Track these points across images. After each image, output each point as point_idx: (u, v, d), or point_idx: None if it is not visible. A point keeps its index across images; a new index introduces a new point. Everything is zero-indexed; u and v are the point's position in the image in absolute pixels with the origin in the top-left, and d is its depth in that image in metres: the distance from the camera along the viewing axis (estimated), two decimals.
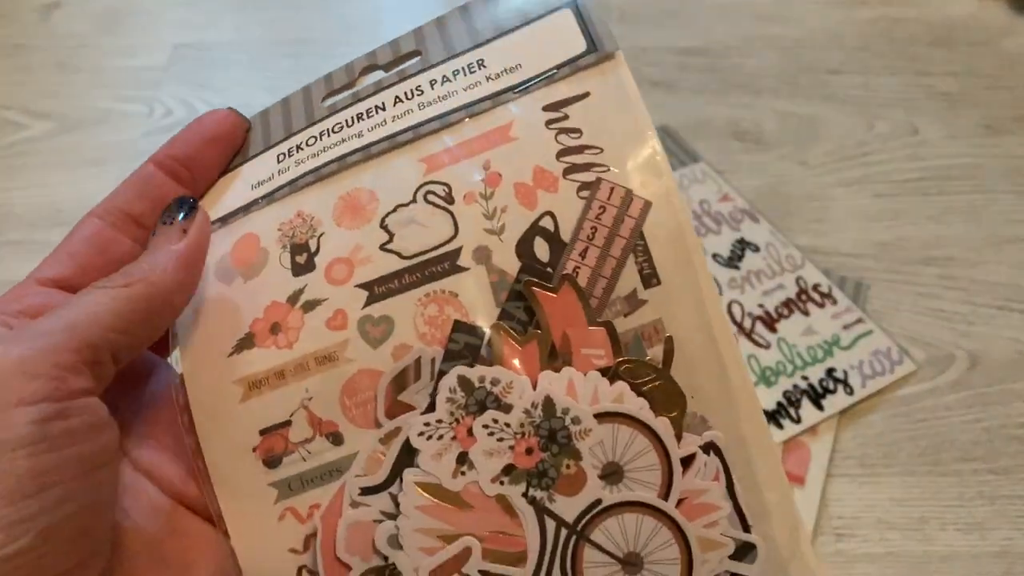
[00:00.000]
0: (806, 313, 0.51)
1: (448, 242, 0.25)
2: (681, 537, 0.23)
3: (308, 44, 0.65)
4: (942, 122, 0.61)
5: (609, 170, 0.25)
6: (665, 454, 0.23)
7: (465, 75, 0.27)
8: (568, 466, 0.23)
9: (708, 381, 0.24)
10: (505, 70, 0.27)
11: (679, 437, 0.23)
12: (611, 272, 0.24)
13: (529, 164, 0.25)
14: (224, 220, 0.27)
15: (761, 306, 0.52)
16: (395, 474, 0.23)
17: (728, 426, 0.24)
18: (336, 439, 0.24)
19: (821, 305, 0.52)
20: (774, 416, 0.48)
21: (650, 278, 0.25)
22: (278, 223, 0.26)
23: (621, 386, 0.23)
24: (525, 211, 0.25)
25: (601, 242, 0.24)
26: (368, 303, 0.25)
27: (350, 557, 0.23)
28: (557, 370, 0.23)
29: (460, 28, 0.28)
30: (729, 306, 0.52)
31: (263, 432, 0.25)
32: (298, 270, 0.26)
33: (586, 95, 0.26)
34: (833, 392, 0.48)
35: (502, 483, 0.23)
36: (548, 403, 0.23)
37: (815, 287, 0.52)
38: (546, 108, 0.26)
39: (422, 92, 0.27)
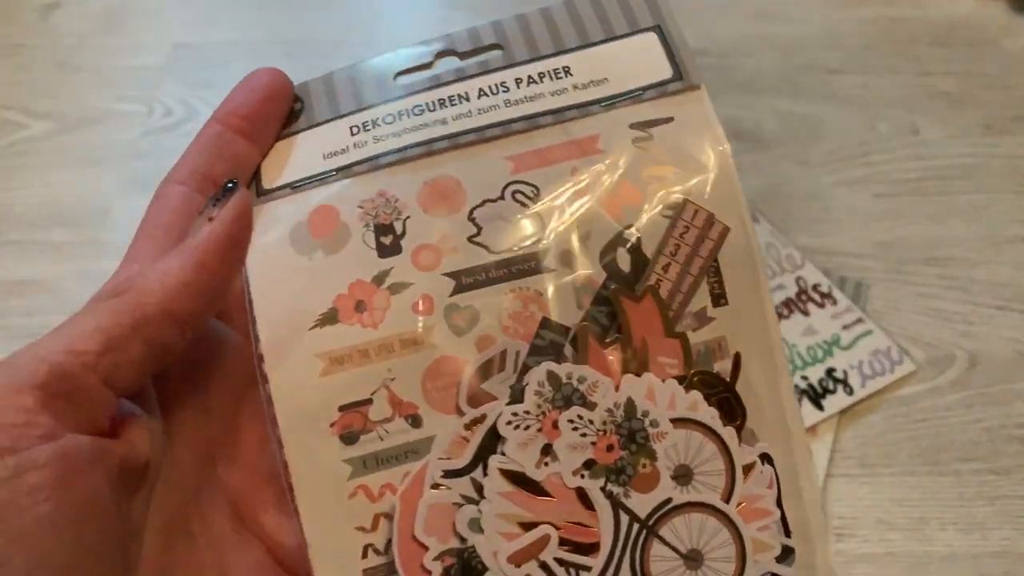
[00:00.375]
0: (806, 313, 0.51)
1: (535, 243, 0.26)
2: (738, 538, 0.24)
3: (308, 44, 0.65)
4: (942, 122, 0.61)
5: (690, 193, 0.27)
6: (730, 460, 0.25)
7: (552, 80, 0.28)
8: (644, 465, 0.24)
9: (763, 399, 0.26)
10: (592, 82, 0.27)
11: (740, 444, 0.25)
12: (688, 288, 0.26)
13: (616, 177, 0.27)
14: (294, 186, 0.27)
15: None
16: (478, 459, 0.24)
17: (778, 441, 0.26)
18: (415, 421, 0.25)
19: (821, 305, 0.52)
20: None
21: (719, 298, 0.26)
22: (359, 200, 0.26)
23: (696, 395, 0.25)
24: (610, 222, 0.26)
25: (682, 259, 0.26)
26: (455, 292, 0.26)
27: (427, 537, 0.24)
28: (637, 375, 0.25)
29: (543, 29, 0.28)
30: None
31: (342, 408, 0.25)
32: (384, 251, 0.26)
33: (670, 120, 0.27)
34: (833, 392, 0.48)
35: (583, 476, 0.24)
36: (630, 405, 0.25)
37: (815, 287, 0.52)
38: (632, 126, 0.27)
39: (507, 89, 0.27)
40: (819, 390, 0.49)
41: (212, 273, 0.23)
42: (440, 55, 0.28)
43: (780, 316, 0.51)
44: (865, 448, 0.47)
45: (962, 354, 0.50)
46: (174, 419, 0.24)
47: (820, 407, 0.48)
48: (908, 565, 0.44)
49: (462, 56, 0.28)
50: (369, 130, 0.27)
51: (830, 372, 0.49)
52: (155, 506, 0.23)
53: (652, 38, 0.28)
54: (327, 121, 0.27)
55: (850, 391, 0.49)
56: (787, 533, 0.25)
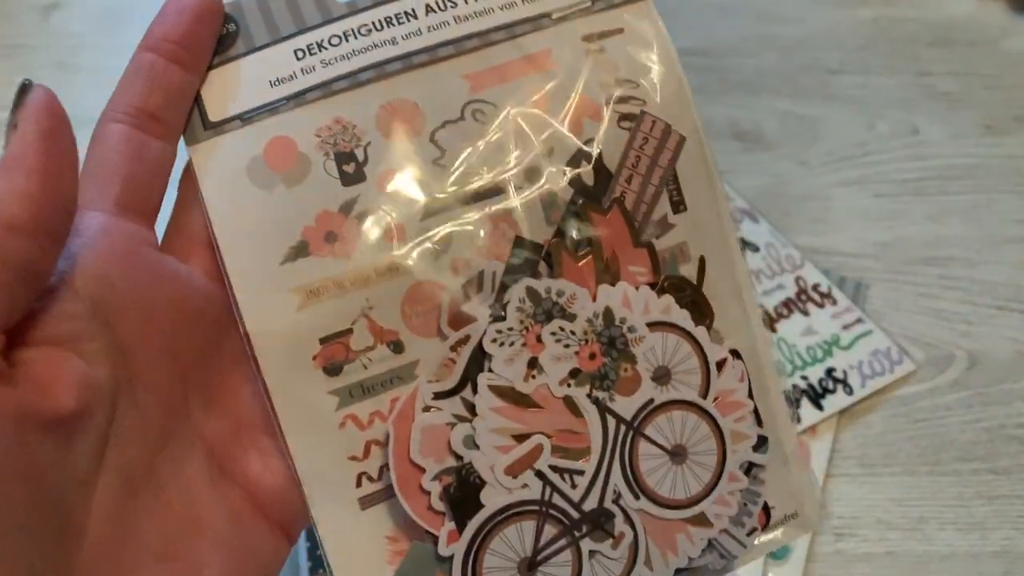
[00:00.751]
0: (806, 313, 0.52)
1: (499, 162, 0.26)
2: (718, 431, 0.26)
3: None
4: (942, 122, 0.61)
5: (645, 104, 0.27)
6: (704, 358, 0.26)
7: None
8: (626, 369, 0.25)
9: (725, 298, 0.27)
10: None
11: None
12: (650, 199, 0.27)
13: (573, 92, 0.27)
14: (244, 118, 0.26)
15: (761, 306, 0.52)
16: (466, 379, 0.25)
17: (743, 337, 0.27)
18: (397, 347, 0.25)
19: (821, 305, 0.52)
20: None
21: (678, 205, 0.27)
22: (315, 128, 0.26)
23: (668, 299, 0.26)
24: (571, 137, 0.27)
25: (643, 170, 0.27)
26: (425, 216, 0.26)
27: (424, 459, 0.24)
28: (611, 285, 0.26)
29: None
30: None
31: (323, 340, 0.25)
32: (347, 179, 0.26)
33: (620, 31, 0.28)
34: (833, 392, 0.49)
35: (569, 385, 0.25)
36: (608, 313, 0.26)
37: (815, 287, 0.52)
38: (584, 39, 0.28)
39: (455, 4, 0.27)
40: (819, 390, 0.49)
41: (40, 174, 0.21)
42: None
43: (780, 316, 0.51)
44: (865, 448, 0.47)
45: (962, 354, 0.50)
46: (134, 363, 0.23)
47: (820, 407, 0.48)
48: (908, 565, 0.44)
49: None
50: (315, 53, 0.26)
51: (830, 372, 0.49)
52: (112, 455, 0.22)
53: None
54: (267, 45, 0.26)
55: (850, 391, 0.49)
56: (759, 423, 0.27)
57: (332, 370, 0.25)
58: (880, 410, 0.49)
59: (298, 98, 0.26)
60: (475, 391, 0.25)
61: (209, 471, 0.25)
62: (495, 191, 0.26)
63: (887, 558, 0.44)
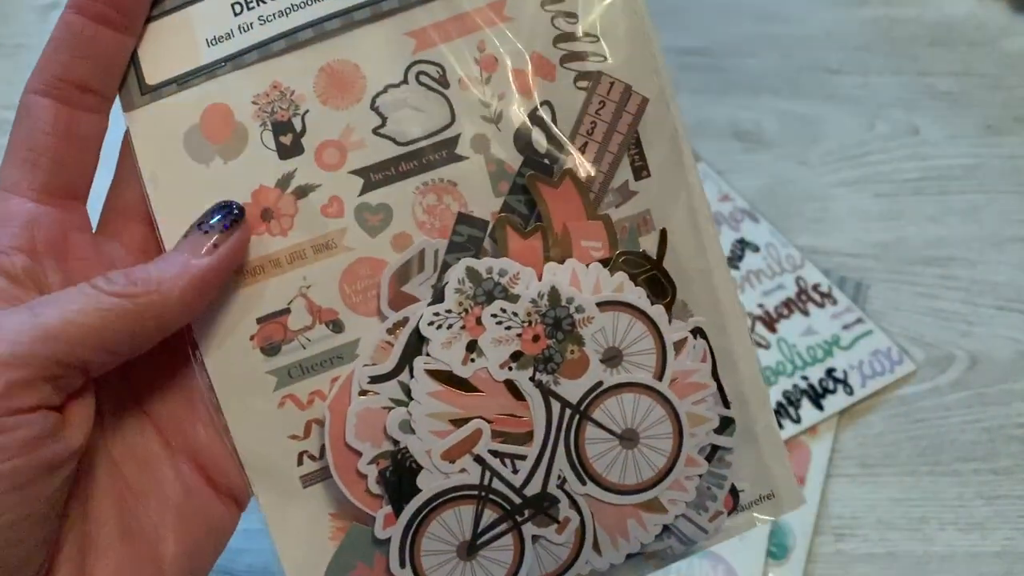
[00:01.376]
0: (806, 313, 0.51)
1: (445, 129, 0.25)
2: (673, 414, 0.25)
3: None
4: (943, 122, 0.61)
5: (606, 60, 0.25)
6: (660, 338, 0.25)
7: None
8: (572, 351, 0.24)
9: (693, 270, 0.25)
10: None
11: (668, 322, 0.25)
12: (608, 167, 0.25)
13: (527, 49, 0.25)
14: (181, 82, 0.24)
15: (761, 306, 0.52)
16: (404, 362, 0.24)
17: (710, 312, 0.26)
18: (336, 327, 0.25)
19: (821, 305, 0.52)
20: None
21: (640, 170, 0.25)
22: (251, 95, 0.25)
23: (621, 276, 0.25)
24: (523, 99, 0.25)
25: (600, 137, 0.25)
26: (364, 191, 0.25)
27: (360, 443, 0.24)
28: (560, 261, 0.24)
29: None
30: None
31: (260, 320, 0.24)
32: (284, 152, 0.25)
33: None
34: (833, 392, 0.48)
35: (510, 369, 0.24)
36: (554, 293, 0.24)
37: (815, 287, 0.52)
38: None
39: None
40: (819, 390, 0.49)
41: (209, 297, 0.23)
42: None
43: (780, 316, 0.51)
44: (865, 448, 0.47)
45: (962, 354, 0.50)
46: (87, 362, 0.22)
47: (820, 407, 0.48)
48: (908, 565, 0.44)
49: None
50: (253, 8, 0.25)
51: (830, 372, 0.49)
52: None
53: None
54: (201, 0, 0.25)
55: (850, 391, 0.49)
56: (726, 404, 0.25)
57: (270, 350, 0.24)
58: (880, 410, 0.49)
59: (235, 60, 0.24)
60: (412, 375, 0.24)
61: (160, 446, 0.25)
62: (440, 161, 0.25)
63: (887, 558, 0.44)
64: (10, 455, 0.20)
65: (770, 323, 0.51)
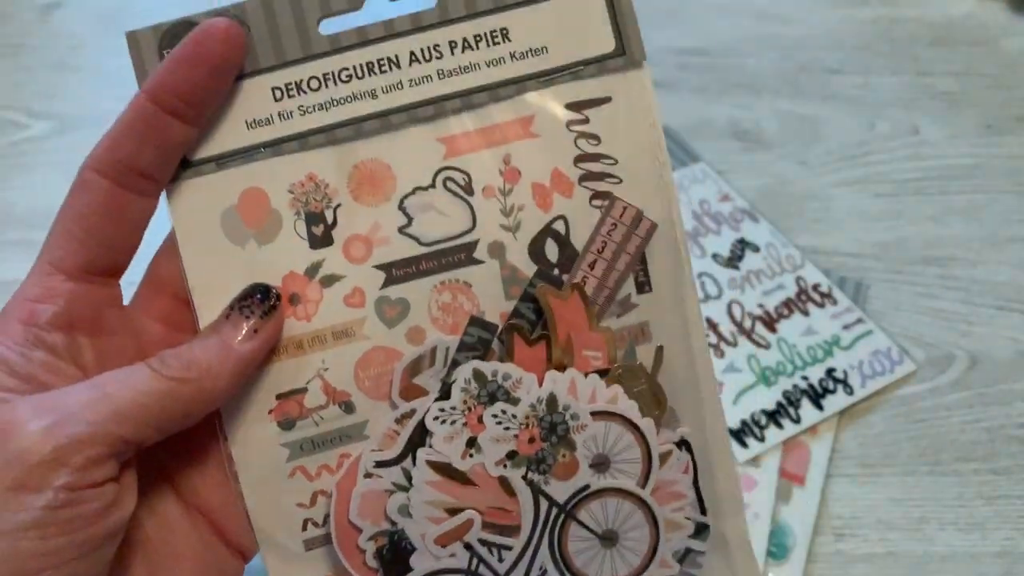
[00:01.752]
0: (806, 313, 0.52)
1: (466, 234, 0.27)
2: (652, 519, 0.26)
3: None
4: (942, 122, 0.61)
5: (621, 182, 0.27)
6: (647, 449, 0.26)
7: (488, 45, 0.26)
8: (564, 455, 0.26)
9: (683, 382, 0.27)
10: (531, 50, 0.26)
11: (658, 432, 0.27)
12: (614, 283, 0.27)
13: (548, 165, 0.27)
14: (220, 162, 0.26)
15: (761, 306, 0.52)
16: (408, 451, 0.26)
17: (696, 423, 0.27)
18: (348, 408, 0.26)
19: (821, 305, 0.52)
20: (774, 416, 0.48)
21: (643, 285, 0.27)
22: (288, 183, 0.26)
23: (616, 389, 0.26)
24: (540, 212, 0.27)
25: (609, 256, 0.27)
26: (386, 284, 0.26)
27: (362, 521, 0.26)
28: (561, 369, 0.26)
29: None
30: (729, 306, 0.52)
31: (279, 396, 0.26)
32: (315, 242, 0.26)
33: (608, 100, 0.27)
34: (833, 392, 0.49)
35: (505, 466, 0.26)
36: (552, 400, 0.26)
37: (815, 287, 0.52)
38: (568, 107, 0.27)
39: (441, 56, 0.26)
40: (819, 390, 0.49)
41: (248, 377, 0.25)
42: None
43: (780, 316, 0.51)
44: (865, 448, 0.47)
45: (962, 354, 0.50)
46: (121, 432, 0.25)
47: (820, 407, 0.48)
48: (908, 565, 0.44)
49: None
50: (293, 96, 0.26)
51: (830, 372, 0.49)
52: None
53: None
54: (246, 76, 0.26)
55: (850, 391, 0.49)
56: (703, 511, 0.27)
57: (286, 424, 0.26)
58: (880, 410, 0.49)
59: (275, 147, 0.26)
60: (415, 463, 0.26)
61: (180, 506, 0.27)
62: (458, 263, 0.27)
63: (887, 558, 0.44)
64: (85, 525, 0.21)
65: (770, 323, 0.51)
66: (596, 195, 0.27)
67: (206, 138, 0.26)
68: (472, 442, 0.26)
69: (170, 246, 0.26)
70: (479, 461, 0.26)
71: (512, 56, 0.27)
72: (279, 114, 0.26)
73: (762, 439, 0.47)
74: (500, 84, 0.26)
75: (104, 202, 0.24)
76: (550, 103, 0.27)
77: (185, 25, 0.25)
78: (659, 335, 0.27)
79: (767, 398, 0.48)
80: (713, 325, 0.51)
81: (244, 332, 0.24)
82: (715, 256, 0.54)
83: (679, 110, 0.61)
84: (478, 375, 0.26)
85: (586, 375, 0.26)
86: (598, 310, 0.27)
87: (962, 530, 0.45)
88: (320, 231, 0.26)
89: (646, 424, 0.26)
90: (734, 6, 0.67)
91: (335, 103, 0.26)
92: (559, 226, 0.27)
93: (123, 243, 0.25)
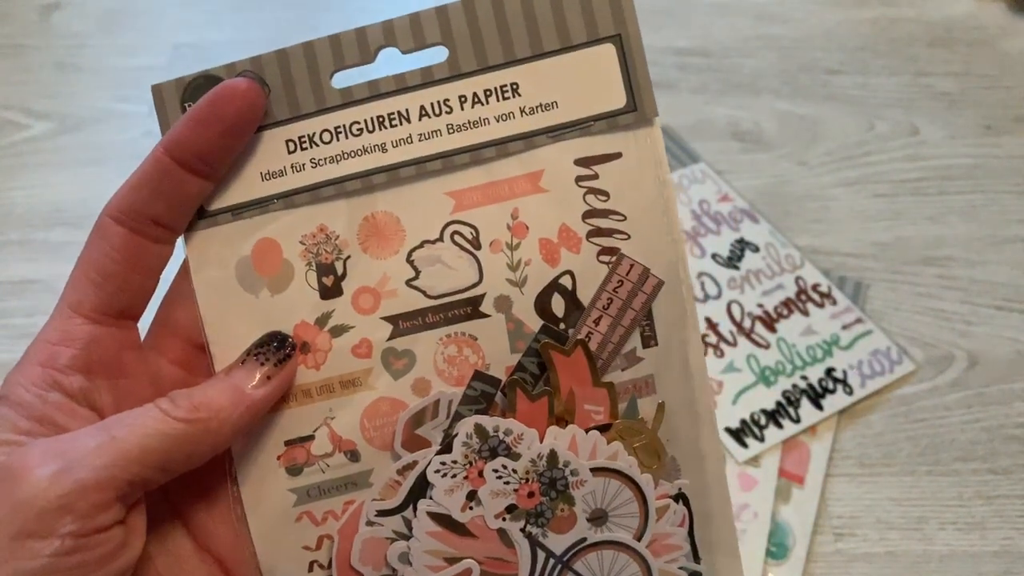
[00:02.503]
0: (805, 313, 0.52)
1: (472, 287, 0.27)
2: (647, 570, 0.27)
3: None
4: (942, 122, 0.61)
5: (630, 238, 0.27)
6: (644, 504, 0.27)
7: (498, 100, 0.26)
8: (562, 510, 0.26)
9: (686, 434, 0.27)
10: (541, 105, 0.26)
11: (656, 486, 0.27)
12: (619, 339, 0.27)
13: (556, 221, 0.27)
14: (236, 212, 0.26)
15: (760, 306, 0.52)
16: (409, 501, 0.26)
17: (696, 473, 0.28)
18: (353, 456, 0.27)
19: (820, 305, 0.52)
20: (773, 416, 0.48)
21: (649, 339, 0.27)
22: (300, 234, 0.27)
23: (616, 446, 0.27)
24: (547, 267, 0.27)
25: (615, 312, 0.27)
26: (393, 336, 0.27)
27: (363, 567, 0.26)
28: (562, 425, 0.26)
29: (492, 30, 0.26)
30: (728, 306, 0.52)
31: (288, 443, 0.27)
32: (326, 293, 0.27)
33: (618, 156, 0.27)
34: (832, 392, 0.49)
35: (504, 519, 0.26)
36: (552, 456, 0.26)
37: (814, 287, 0.53)
38: (578, 162, 0.27)
39: (451, 110, 0.26)
40: (819, 390, 0.49)
41: (258, 420, 0.25)
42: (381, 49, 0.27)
43: (780, 316, 0.51)
44: (864, 448, 0.47)
45: (961, 354, 0.50)
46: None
47: (820, 407, 0.48)
48: (907, 564, 0.44)
49: (404, 51, 0.27)
50: (306, 149, 0.26)
51: (830, 372, 0.49)
52: None
53: (610, 52, 0.26)
54: (262, 128, 0.26)
55: (849, 391, 0.49)
56: (696, 558, 0.28)
57: (293, 470, 0.27)
58: (880, 410, 0.49)
59: (287, 199, 0.26)
60: (415, 514, 0.26)
61: (191, 545, 0.27)
62: (464, 317, 0.27)
63: (887, 558, 0.44)
64: (93, 569, 0.21)
65: (770, 323, 0.51)
66: (604, 251, 0.27)
67: (222, 188, 0.26)
68: (472, 495, 0.26)
69: (181, 290, 0.27)
70: (478, 513, 0.26)
71: (522, 111, 0.27)
72: (292, 166, 0.26)
73: (762, 439, 0.47)
74: (509, 139, 0.26)
75: (121, 248, 0.25)
76: (560, 158, 0.27)
77: (207, 79, 0.26)
78: (664, 388, 0.27)
79: (767, 398, 0.48)
80: (713, 325, 0.51)
81: (257, 378, 0.25)
82: (715, 256, 0.54)
83: (679, 110, 0.61)
84: (480, 430, 0.26)
85: (587, 431, 0.26)
86: (602, 364, 0.27)
87: (961, 530, 0.45)
88: (330, 282, 0.27)
89: (645, 480, 0.26)
90: (734, 6, 0.68)
91: (346, 156, 0.26)
92: (566, 281, 0.27)
93: (140, 287, 0.26)
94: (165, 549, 0.27)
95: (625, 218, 0.27)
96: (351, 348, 0.27)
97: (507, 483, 0.26)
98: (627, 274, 0.27)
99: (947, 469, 0.47)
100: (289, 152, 0.26)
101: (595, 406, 0.27)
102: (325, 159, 0.26)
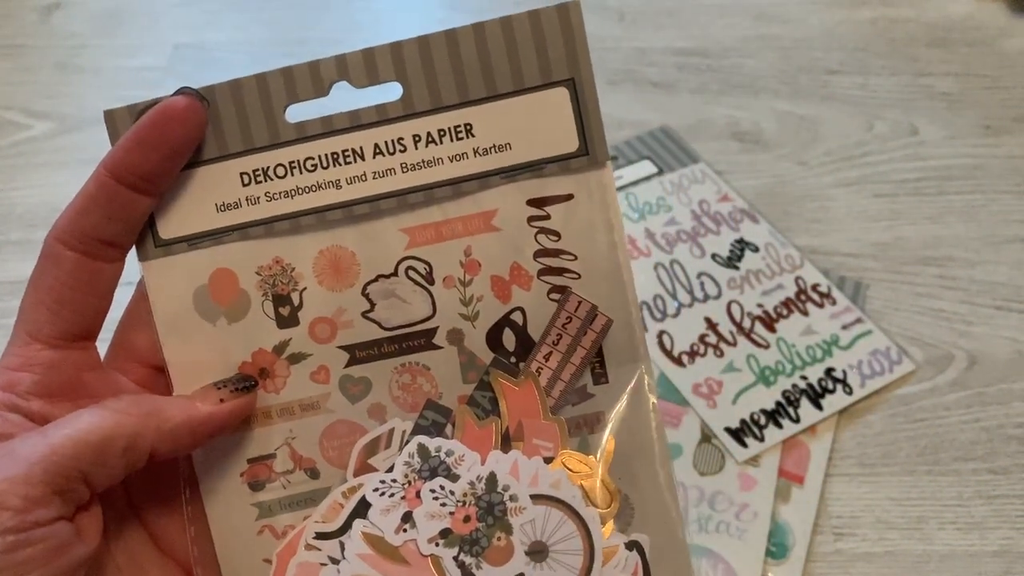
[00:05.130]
0: (805, 313, 0.52)
1: (425, 320, 0.28)
2: None
3: (308, 44, 0.65)
4: (941, 122, 0.61)
5: (580, 277, 0.27)
6: (590, 542, 0.26)
7: (452, 140, 0.27)
8: (499, 538, 0.25)
9: (641, 477, 0.27)
10: (494, 147, 0.27)
11: (608, 531, 0.26)
12: (569, 376, 0.27)
13: (508, 259, 0.27)
14: (191, 242, 0.27)
15: (760, 306, 0.52)
16: (348, 524, 0.26)
17: (655, 520, 0.27)
18: (313, 474, 0.28)
19: (820, 305, 0.52)
20: (773, 415, 0.48)
21: (600, 377, 0.28)
22: (256, 265, 0.27)
23: (560, 473, 0.26)
24: (499, 303, 0.27)
25: (564, 348, 0.27)
26: (349, 364, 0.28)
27: None
28: (506, 452, 0.26)
29: (446, 69, 0.26)
30: (728, 306, 0.52)
31: (250, 461, 0.28)
32: (282, 322, 0.27)
33: (570, 197, 0.27)
34: (832, 392, 0.49)
35: (437, 544, 0.26)
36: (491, 478, 0.26)
37: (814, 287, 0.53)
38: (530, 203, 0.27)
39: (405, 149, 0.27)
40: (818, 390, 0.49)
41: (200, 442, 0.26)
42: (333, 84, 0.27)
43: (780, 316, 0.51)
44: (864, 448, 0.47)
45: (961, 354, 0.50)
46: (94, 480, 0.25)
47: (819, 407, 0.48)
48: (907, 564, 0.44)
49: (357, 85, 0.27)
50: (261, 182, 0.27)
51: (829, 372, 0.49)
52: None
53: (563, 95, 0.27)
54: (214, 160, 0.27)
55: (849, 391, 0.49)
56: None
57: (256, 486, 0.28)
58: (879, 410, 0.49)
59: (242, 231, 0.27)
60: (350, 534, 0.26)
61: (155, 553, 0.27)
62: (418, 348, 0.27)
63: (886, 558, 0.44)
64: (37, 565, 0.22)
65: (769, 323, 0.51)
66: (554, 289, 0.27)
67: (178, 218, 0.27)
68: (408, 517, 0.26)
69: (138, 314, 0.28)
70: (412, 537, 0.26)
71: (476, 151, 0.27)
72: (247, 199, 0.27)
73: (761, 439, 0.47)
74: (463, 179, 0.27)
75: (74, 273, 0.25)
76: (512, 198, 0.27)
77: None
78: (614, 427, 0.27)
79: (766, 398, 0.48)
80: (712, 325, 0.51)
81: (210, 399, 0.26)
82: (714, 256, 0.54)
83: (678, 110, 0.61)
84: (422, 449, 0.26)
85: (530, 457, 0.26)
86: (553, 404, 0.27)
87: (961, 529, 0.45)
88: (287, 312, 0.27)
89: (589, 514, 0.25)
90: (733, 6, 0.68)
91: (300, 191, 0.27)
92: (517, 317, 0.27)
93: (95, 309, 0.26)
94: (132, 558, 0.27)
95: (576, 258, 0.27)
96: (309, 374, 0.27)
97: (443, 504, 0.26)
98: (575, 310, 0.27)
99: (947, 469, 0.47)
100: (244, 185, 0.27)
101: (544, 441, 0.27)
102: (279, 193, 0.27)
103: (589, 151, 0.27)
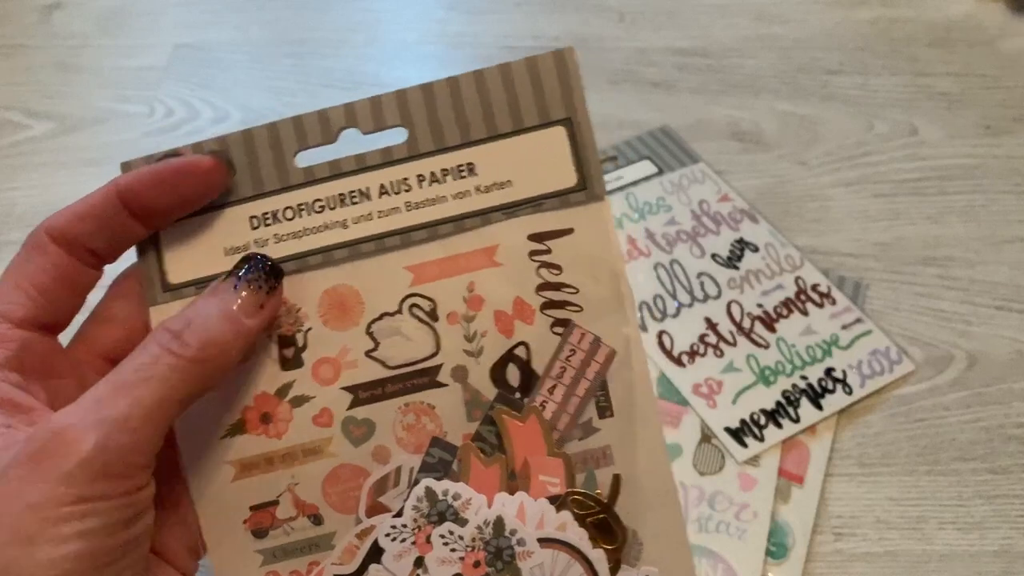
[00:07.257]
0: (805, 313, 0.52)
1: (430, 358, 0.28)
2: None
3: (308, 44, 0.65)
4: (941, 122, 0.61)
5: (582, 310, 0.28)
6: None
7: (455, 179, 0.28)
8: None
9: (652, 508, 0.27)
10: (496, 184, 0.28)
11: (617, 567, 0.26)
12: (574, 409, 0.27)
13: (511, 294, 0.28)
14: (200, 286, 0.27)
15: (760, 306, 0.52)
16: (364, 567, 0.27)
17: (661, 551, 0.27)
18: (317, 520, 0.28)
19: (820, 305, 0.52)
20: (773, 415, 0.48)
21: (605, 410, 0.28)
22: None
23: (566, 515, 0.26)
24: (502, 338, 0.28)
25: (568, 381, 0.27)
26: (352, 405, 0.28)
27: None
28: (513, 492, 0.26)
29: (448, 112, 0.27)
30: (728, 306, 0.52)
31: (253, 508, 0.28)
32: (286, 364, 0.28)
33: (570, 231, 0.28)
34: (832, 392, 0.49)
35: None
36: (499, 523, 0.26)
37: (814, 287, 0.53)
38: (531, 237, 0.28)
39: (409, 188, 0.28)
40: (818, 390, 0.49)
41: (250, 350, 0.26)
42: (342, 130, 0.28)
43: (779, 316, 0.51)
44: (864, 448, 0.47)
45: (961, 354, 0.50)
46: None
47: (819, 407, 0.48)
48: (907, 564, 0.44)
49: (365, 131, 0.28)
50: (269, 224, 0.27)
51: (829, 372, 0.49)
52: None
53: (561, 134, 0.27)
54: (225, 205, 0.27)
55: (849, 391, 0.49)
56: None
57: (259, 533, 0.28)
58: (879, 410, 0.49)
59: None
60: None
61: (155, 560, 0.27)
62: (422, 386, 0.28)
63: (886, 557, 0.44)
64: (119, 529, 0.22)
65: (769, 323, 0.51)
66: (557, 322, 0.28)
67: (187, 263, 0.27)
68: (420, 562, 0.26)
69: (107, 314, 0.28)
70: None
71: (477, 189, 0.28)
72: (255, 241, 0.28)
73: (761, 439, 0.47)
74: (465, 216, 0.28)
75: (58, 266, 0.26)
76: (513, 234, 0.28)
77: (175, 157, 0.27)
78: (621, 460, 0.27)
79: (766, 398, 0.48)
80: (712, 325, 0.51)
81: (251, 307, 0.25)
82: (714, 256, 0.54)
83: (678, 110, 0.61)
84: (429, 493, 0.26)
85: (536, 499, 0.26)
86: (559, 437, 0.27)
87: (961, 529, 0.45)
88: (291, 353, 0.28)
89: (596, 555, 0.26)
90: (733, 6, 0.68)
91: (308, 232, 0.27)
92: (521, 352, 0.28)
93: (69, 305, 0.27)
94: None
95: (577, 291, 0.28)
96: (312, 417, 0.28)
97: (453, 550, 0.26)
98: (579, 342, 0.27)
99: (946, 469, 0.47)
100: (253, 228, 0.27)
101: (550, 477, 0.27)
102: (287, 235, 0.27)
103: (587, 186, 0.28)
